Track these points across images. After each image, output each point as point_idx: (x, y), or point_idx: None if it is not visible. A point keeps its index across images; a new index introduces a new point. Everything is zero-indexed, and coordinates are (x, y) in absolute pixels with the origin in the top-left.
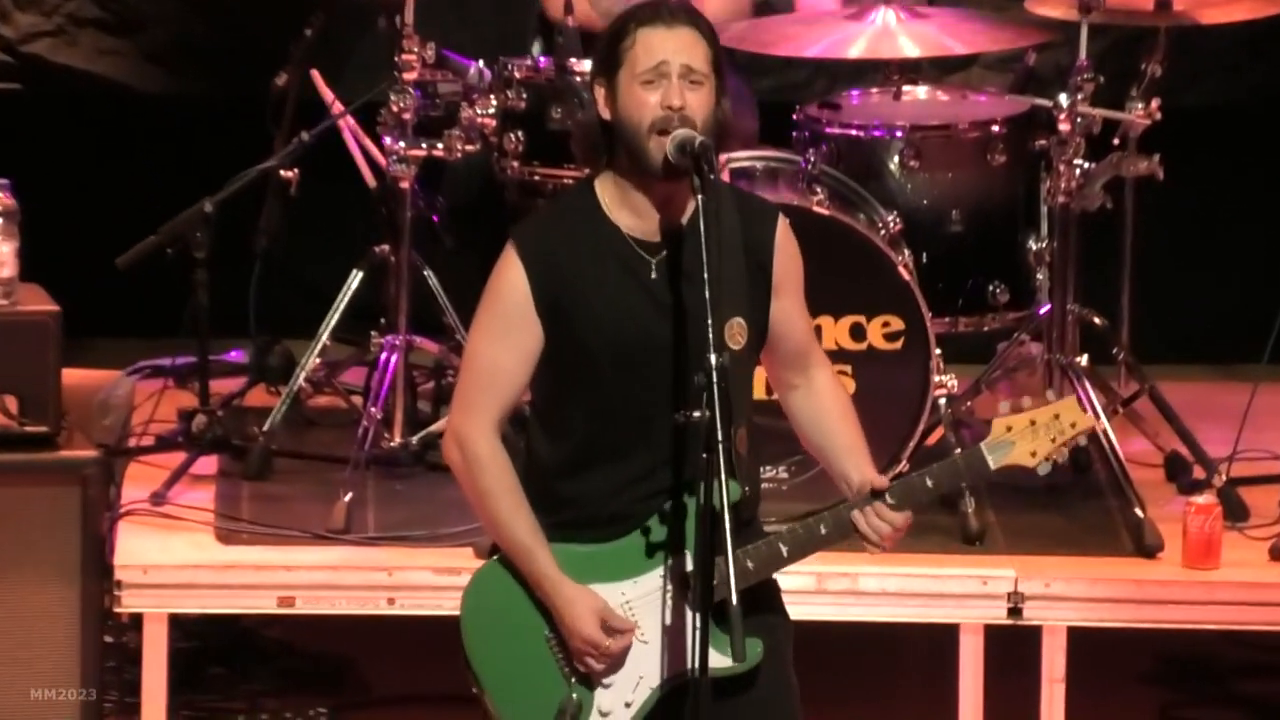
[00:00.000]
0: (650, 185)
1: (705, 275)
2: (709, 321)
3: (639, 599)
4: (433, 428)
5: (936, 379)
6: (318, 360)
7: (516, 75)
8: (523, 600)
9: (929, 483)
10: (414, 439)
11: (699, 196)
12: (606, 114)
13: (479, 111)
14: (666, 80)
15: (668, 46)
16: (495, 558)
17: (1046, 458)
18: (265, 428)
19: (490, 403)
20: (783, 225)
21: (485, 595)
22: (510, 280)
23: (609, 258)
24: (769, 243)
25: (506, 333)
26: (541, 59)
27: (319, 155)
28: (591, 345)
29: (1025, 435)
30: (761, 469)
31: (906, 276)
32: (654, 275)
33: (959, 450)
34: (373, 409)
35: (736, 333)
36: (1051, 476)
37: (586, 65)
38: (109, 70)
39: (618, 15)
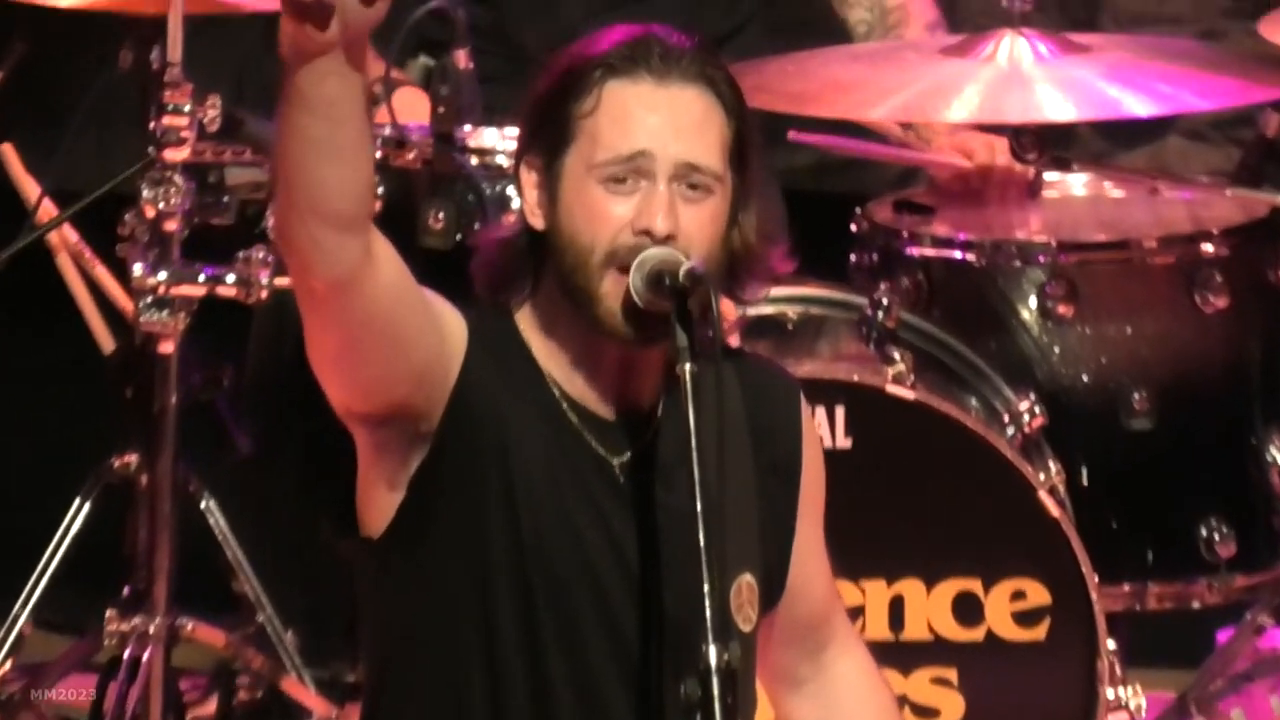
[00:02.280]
0: (603, 353)
1: (698, 506)
2: (705, 588)
3: None
4: None
5: (1110, 693)
6: (7, 663)
7: None
8: None
9: None
10: None
11: (686, 367)
12: (538, 221)
13: None
14: (647, 182)
15: (655, 123)
16: None
17: None
18: None
19: None
20: (807, 410)
21: None
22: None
23: (557, 444)
24: (793, 440)
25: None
26: (412, 124)
27: (14, 292)
28: (512, 585)
29: None
30: None
31: (1054, 510)
32: (621, 480)
33: None
34: None
35: (746, 600)
36: None
37: (490, 138)
38: None
39: (569, 49)
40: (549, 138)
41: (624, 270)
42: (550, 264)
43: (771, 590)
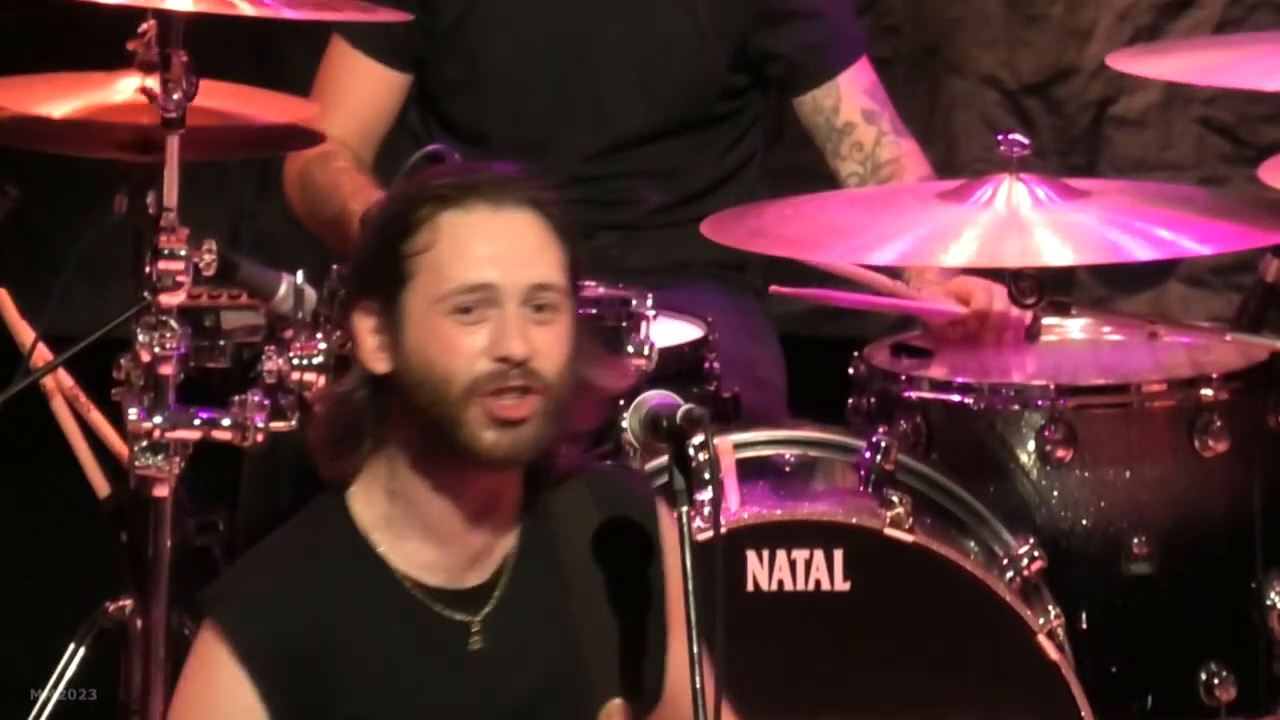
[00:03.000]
0: (466, 482)
1: (693, 650)
2: None
3: None
4: None
5: None
6: None
7: None
8: None
9: None
10: None
11: (683, 510)
12: (381, 365)
13: (296, 360)
14: (496, 309)
15: (497, 250)
16: None
17: None
18: None
19: None
20: (666, 520)
21: None
22: (224, 691)
23: (392, 631)
24: (651, 552)
25: None
26: None
27: (9, 436)
28: None
29: None
30: None
31: (1053, 654)
32: (477, 645)
33: None
34: None
35: None
36: None
37: None
38: None
39: (395, 189)
40: (384, 279)
41: (494, 394)
42: (401, 406)
43: (646, 708)
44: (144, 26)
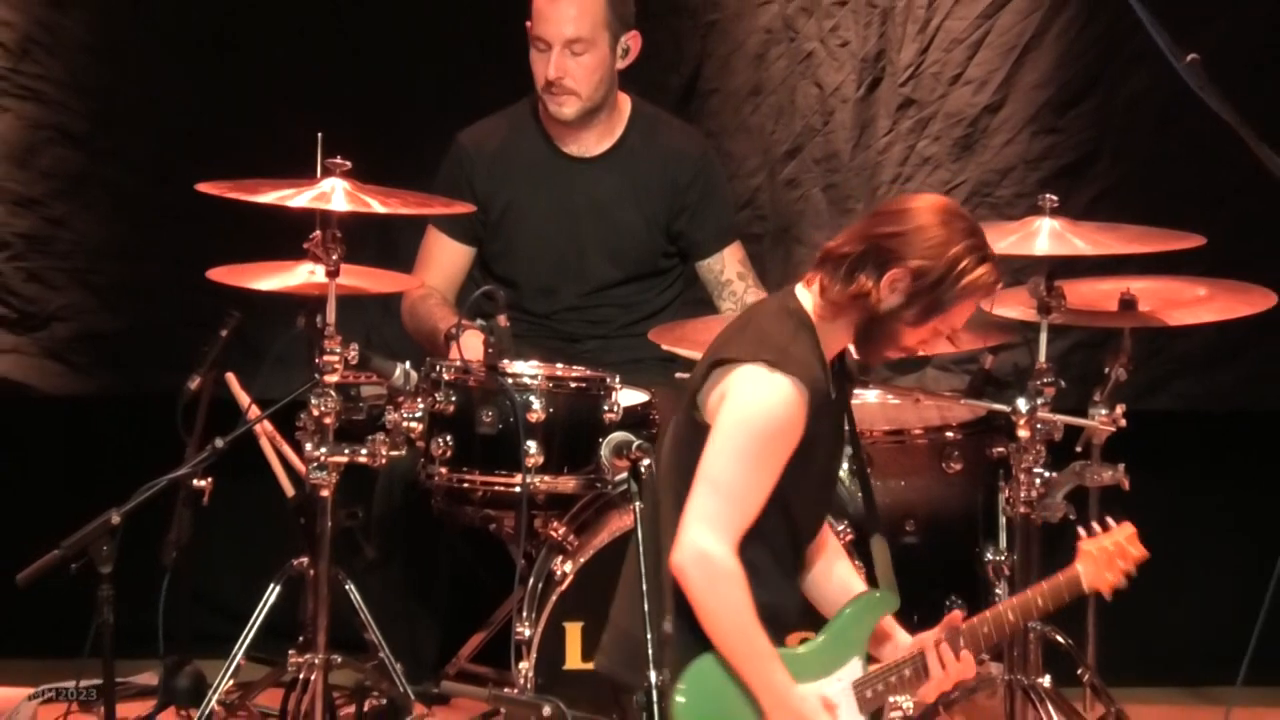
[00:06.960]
0: None
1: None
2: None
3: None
4: None
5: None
6: (231, 681)
7: (445, 377)
8: (738, 698)
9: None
10: None
11: (636, 505)
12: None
13: (405, 415)
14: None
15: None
16: (709, 654)
17: None
18: None
19: (740, 525)
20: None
21: (702, 688)
22: (795, 409)
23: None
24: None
25: (779, 464)
26: (473, 360)
27: (233, 461)
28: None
29: None
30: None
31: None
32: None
33: None
34: None
35: None
36: None
37: (520, 367)
38: (7, 370)
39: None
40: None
41: None
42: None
43: None
44: (314, 234)
